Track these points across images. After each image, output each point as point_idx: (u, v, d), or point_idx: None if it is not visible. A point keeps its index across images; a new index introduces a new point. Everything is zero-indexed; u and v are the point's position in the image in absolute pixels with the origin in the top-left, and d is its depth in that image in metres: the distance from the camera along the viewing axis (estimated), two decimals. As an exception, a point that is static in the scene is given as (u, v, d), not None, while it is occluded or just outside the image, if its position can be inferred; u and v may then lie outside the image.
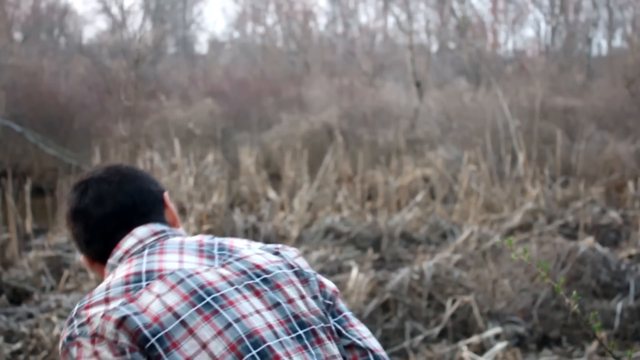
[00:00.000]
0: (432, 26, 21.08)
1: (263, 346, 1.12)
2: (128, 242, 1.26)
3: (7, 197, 6.58)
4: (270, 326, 1.15)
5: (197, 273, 1.17)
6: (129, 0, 28.92)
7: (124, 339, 1.10)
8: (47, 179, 9.79)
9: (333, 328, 1.25)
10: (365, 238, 6.85)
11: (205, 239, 1.28)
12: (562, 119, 11.84)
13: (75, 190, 1.33)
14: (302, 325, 1.18)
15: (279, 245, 1.34)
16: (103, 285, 1.20)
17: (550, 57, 19.96)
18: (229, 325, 1.12)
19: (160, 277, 1.16)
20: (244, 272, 1.20)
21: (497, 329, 4.54)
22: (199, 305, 1.13)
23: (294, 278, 1.25)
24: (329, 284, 1.32)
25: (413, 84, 15.21)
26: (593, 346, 4.42)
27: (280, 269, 1.24)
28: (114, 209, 1.29)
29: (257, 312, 1.15)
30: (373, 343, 1.27)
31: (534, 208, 7.50)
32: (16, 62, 12.51)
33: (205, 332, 1.11)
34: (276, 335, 1.14)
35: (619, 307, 4.89)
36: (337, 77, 17.47)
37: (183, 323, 1.11)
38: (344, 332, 1.26)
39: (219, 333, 1.11)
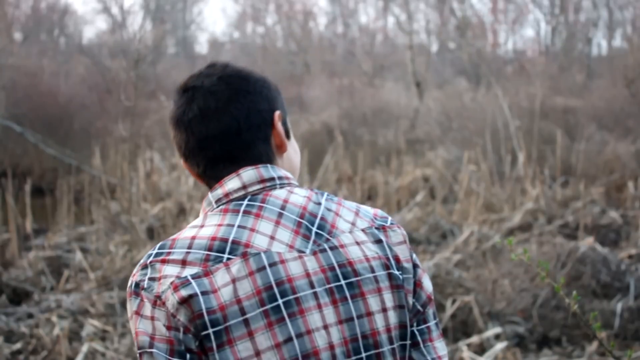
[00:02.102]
0: (432, 26, 21.12)
1: None
2: (232, 183, 1.17)
3: (7, 197, 6.58)
4: (331, 347, 1.09)
5: (282, 262, 1.10)
6: (129, 0, 28.89)
7: (182, 317, 1.05)
8: (47, 179, 9.81)
9: (404, 347, 1.19)
10: (366, 238, 6.84)
11: (310, 205, 1.17)
12: (562, 119, 11.84)
13: (183, 95, 1.22)
14: (367, 347, 1.12)
15: (388, 222, 1.23)
16: (189, 233, 1.13)
17: (550, 57, 19.98)
18: (289, 339, 1.07)
19: (244, 254, 1.09)
20: (332, 269, 1.12)
21: (497, 329, 4.54)
22: (268, 307, 1.06)
23: (385, 284, 1.15)
24: (427, 287, 1.23)
25: (413, 84, 15.23)
26: (593, 346, 4.42)
27: (372, 271, 1.14)
28: (216, 132, 1.18)
29: (325, 327, 1.09)
30: None
31: (534, 208, 7.50)
32: (16, 62, 12.52)
33: (263, 340, 1.06)
34: (334, 358, 1.08)
35: (619, 307, 4.89)
36: (337, 77, 17.50)
37: (246, 322, 1.06)
38: (421, 346, 1.21)
39: (277, 345, 1.06)
